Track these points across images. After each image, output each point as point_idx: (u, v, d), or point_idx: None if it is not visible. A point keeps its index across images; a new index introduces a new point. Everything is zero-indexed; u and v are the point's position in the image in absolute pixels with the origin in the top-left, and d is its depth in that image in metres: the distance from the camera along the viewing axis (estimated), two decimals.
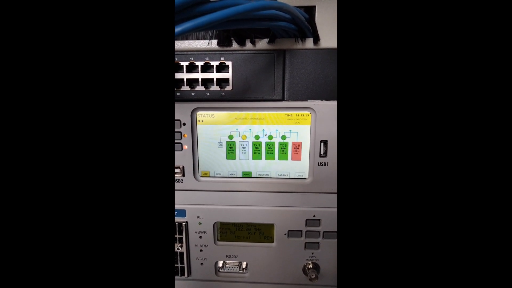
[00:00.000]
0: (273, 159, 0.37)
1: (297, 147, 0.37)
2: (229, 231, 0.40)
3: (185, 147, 0.37)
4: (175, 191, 0.38)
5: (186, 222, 0.40)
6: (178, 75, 0.34)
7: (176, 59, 0.34)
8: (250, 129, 0.37)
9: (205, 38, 0.34)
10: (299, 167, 0.38)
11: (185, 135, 0.37)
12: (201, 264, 0.41)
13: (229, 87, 0.34)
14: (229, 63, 0.34)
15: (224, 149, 0.37)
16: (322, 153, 0.36)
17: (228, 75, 0.34)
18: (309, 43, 0.33)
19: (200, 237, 0.40)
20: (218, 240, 0.41)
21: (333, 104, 0.34)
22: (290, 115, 0.36)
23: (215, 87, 0.34)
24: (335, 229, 0.39)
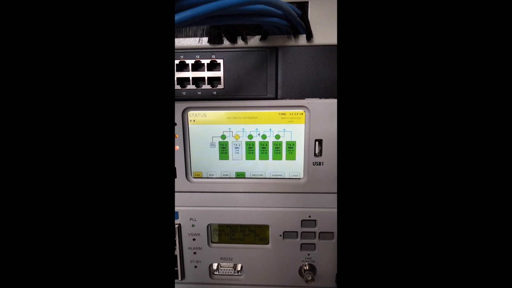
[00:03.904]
0: (267, 159, 0.37)
1: (291, 146, 0.36)
2: (223, 233, 0.40)
3: (177, 147, 0.36)
4: None
5: (179, 224, 0.39)
6: None
7: None
8: (243, 129, 0.36)
9: (195, 36, 0.33)
10: (294, 167, 0.37)
11: (177, 136, 0.36)
12: (195, 267, 0.40)
13: (220, 86, 0.34)
14: (220, 61, 0.33)
15: (216, 149, 0.37)
16: (317, 152, 0.35)
17: (219, 73, 0.33)
18: (302, 40, 0.32)
19: (194, 239, 0.39)
20: (212, 242, 0.40)
21: (328, 102, 0.34)
22: (284, 113, 0.35)
23: (206, 86, 0.34)
24: (331, 229, 0.38)
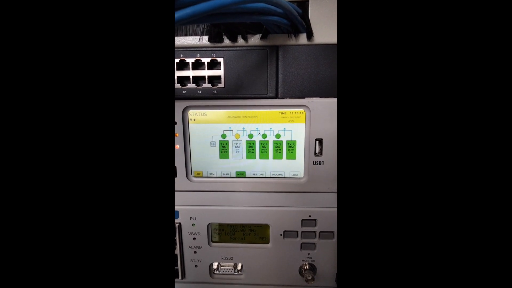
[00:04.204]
0: (268, 158, 0.37)
1: (291, 145, 0.36)
2: (223, 232, 0.40)
3: (177, 146, 0.36)
4: None
5: (179, 223, 0.39)
6: None
7: None
8: (243, 128, 0.36)
9: (195, 34, 0.33)
10: (294, 166, 0.37)
11: (177, 135, 0.36)
12: (196, 266, 0.40)
13: (221, 85, 0.34)
14: (220, 59, 0.33)
15: (217, 148, 0.37)
16: (317, 151, 0.35)
17: (220, 72, 0.33)
18: (302, 39, 0.32)
19: (194, 238, 0.39)
20: (212, 241, 0.40)
21: (328, 101, 0.34)
22: (284, 113, 0.35)
23: (206, 85, 0.34)
24: (331, 229, 0.38)
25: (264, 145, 0.36)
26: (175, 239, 0.39)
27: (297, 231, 0.38)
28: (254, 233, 0.39)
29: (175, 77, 0.33)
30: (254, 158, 0.37)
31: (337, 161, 0.35)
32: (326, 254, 0.39)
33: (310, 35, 0.32)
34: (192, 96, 0.34)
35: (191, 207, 0.38)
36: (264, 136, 0.36)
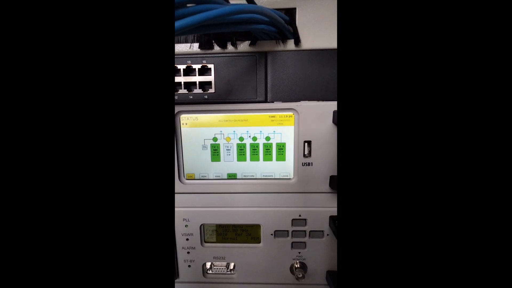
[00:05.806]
0: (258, 160, 0.38)
1: (281, 148, 0.37)
2: (216, 233, 0.41)
3: None
4: None
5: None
6: None
7: None
8: (234, 131, 0.37)
9: (186, 42, 0.34)
10: (284, 168, 0.38)
11: None
12: (189, 266, 0.41)
13: (211, 90, 0.35)
14: (211, 66, 0.34)
15: (208, 151, 0.38)
16: (306, 153, 0.36)
17: (210, 77, 0.34)
18: (290, 45, 0.33)
19: (187, 239, 0.40)
20: (205, 242, 0.41)
21: (316, 104, 0.35)
22: (274, 116, 0.36)
23: (197, 90, 0.35)
24: (321, 228, 0.39)
25: (254, 148, 0.37)
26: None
27: (287, 231, 0.39)
28: (246, 233, 0.40)
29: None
30: (245, 160, 0.38)
31: (337, 162, 0.36)
32: (316, 253, 0.40)
33: (297, 41, 0.33)
34: (183, 101, 0.35)
35: (184, 209, 0.39)
36: (255, 139, 0.37)
